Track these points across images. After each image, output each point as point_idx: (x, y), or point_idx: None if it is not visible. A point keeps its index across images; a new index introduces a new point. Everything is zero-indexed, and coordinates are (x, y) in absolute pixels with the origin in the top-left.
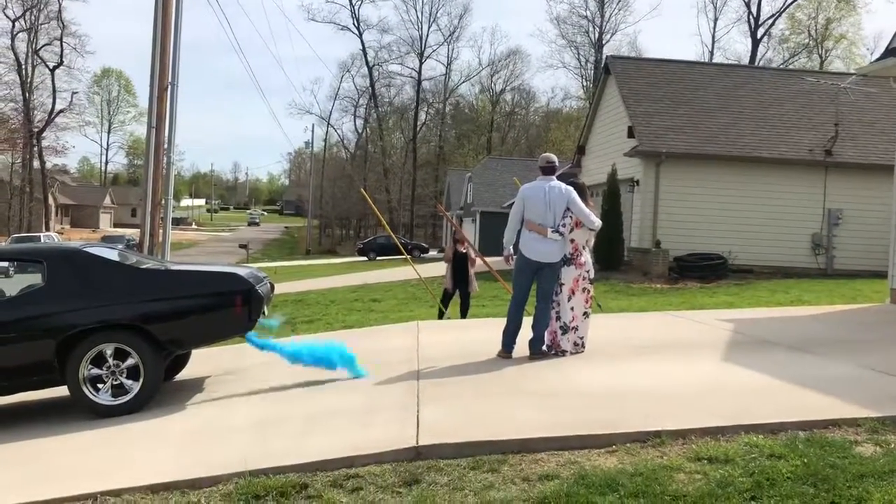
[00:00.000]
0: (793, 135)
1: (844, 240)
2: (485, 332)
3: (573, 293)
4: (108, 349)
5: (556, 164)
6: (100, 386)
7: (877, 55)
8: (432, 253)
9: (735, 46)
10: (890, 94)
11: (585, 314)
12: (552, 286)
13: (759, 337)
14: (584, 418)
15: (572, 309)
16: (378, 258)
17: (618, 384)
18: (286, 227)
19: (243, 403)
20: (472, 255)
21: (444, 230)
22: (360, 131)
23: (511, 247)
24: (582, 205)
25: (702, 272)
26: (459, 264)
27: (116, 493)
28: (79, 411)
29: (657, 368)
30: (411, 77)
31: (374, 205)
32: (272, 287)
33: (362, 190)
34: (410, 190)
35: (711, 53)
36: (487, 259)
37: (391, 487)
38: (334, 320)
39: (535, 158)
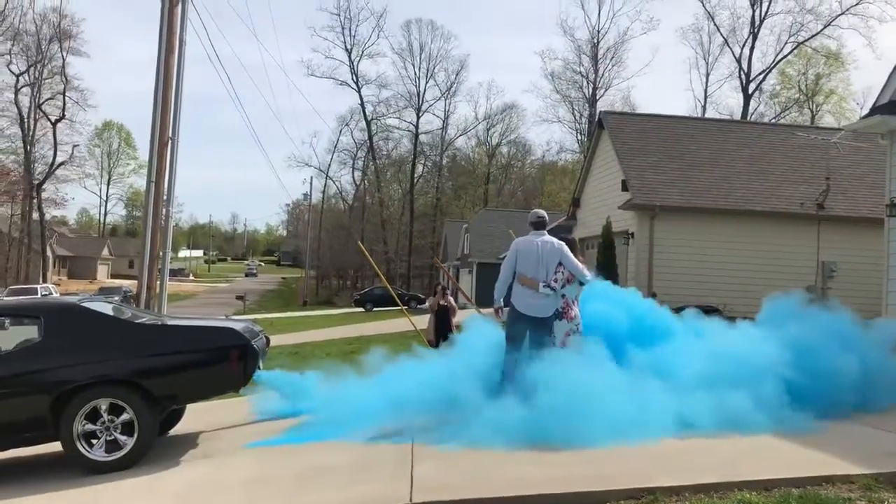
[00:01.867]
0: (785, 188)
1: (839, 292)
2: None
3: (563, 346)
4: (104, 404)
5: (547, 218)
6: (93, 441)
7: (866, 110)
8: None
9: (727, 101)
10: (879, 149)
11: None
12: (545, 341)
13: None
14: (578, 474)
15: None
16: (375, 309)
17: (613, 439)
18: (283, 278)
19: (236, 459)
20: (454, 304)
21: (442, 282)
22: (357, 183)
23: (501, 300)
24: (574, 259)
25: None
26: (441, 315)
27: None
28: (70, 467)
29: (651, 423)
30: (409, 131)
31: (370, 257)
32: (268, 341)
33: (360, 244)
34: (408, 241)
35: (704, 108)
36: (483, 310)
37: None
38: (330, 373)
39: (531, 210)
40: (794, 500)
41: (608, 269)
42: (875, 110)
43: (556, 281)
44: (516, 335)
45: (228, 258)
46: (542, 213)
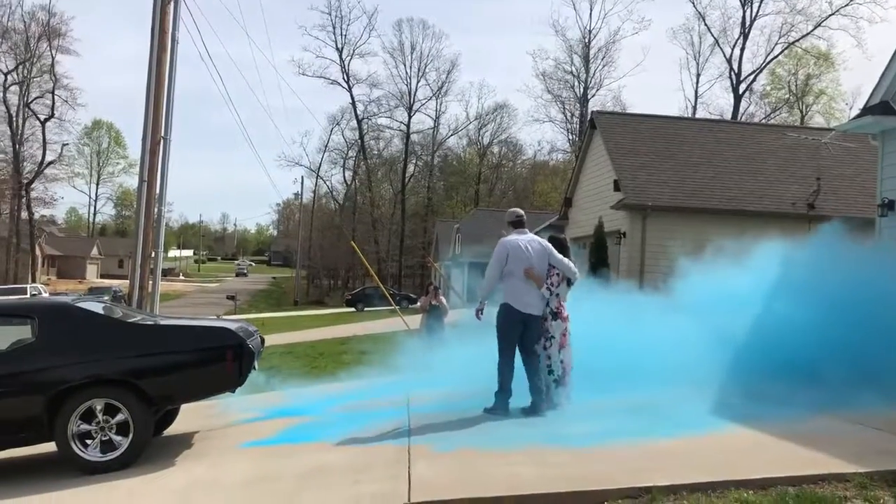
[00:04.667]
0: (776, 188)
1: None
2: (476, 387)
3: (562, 347)
4: (98, 405)
5: (525, 216)
6: (88, 442)
7: (856, 111)
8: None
9: (717, 101)
10: (869, 149)
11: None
12: (538, 340)
13: (747, 391)
14: (576, 474)
15: (562, 362)
16: (366, 309)
17: (609, 439)
18: (274, 278)
19: (233, 460)
20: (445, 303)
21: (434, 281)
22: (349, 183)
23: (485, 301)
24: (561, 257)
25: None
26: (433, 315)
27: None
28: (64, 468)
29: (647, 423)
30: (400, 130)
31: (362, 255)
32: (262, 341)
33: (352, 242)
34: (399, 241)
35: (694, 108)
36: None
37: None
38: (324, 373)
39: (509, 210)
40: (790, 499)
41: (600, 268)
42: (867, 111)
43: (553, 285)
44: (511, 334)
45: (218, 258)
46: (521, 211)
